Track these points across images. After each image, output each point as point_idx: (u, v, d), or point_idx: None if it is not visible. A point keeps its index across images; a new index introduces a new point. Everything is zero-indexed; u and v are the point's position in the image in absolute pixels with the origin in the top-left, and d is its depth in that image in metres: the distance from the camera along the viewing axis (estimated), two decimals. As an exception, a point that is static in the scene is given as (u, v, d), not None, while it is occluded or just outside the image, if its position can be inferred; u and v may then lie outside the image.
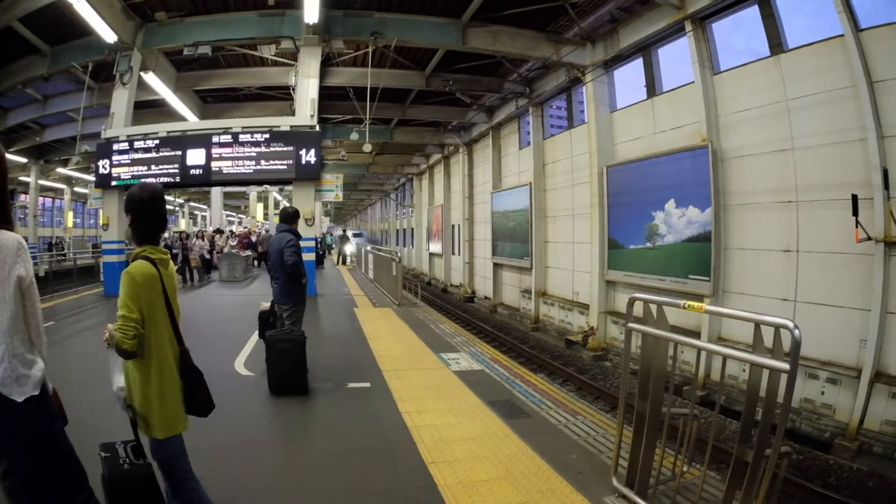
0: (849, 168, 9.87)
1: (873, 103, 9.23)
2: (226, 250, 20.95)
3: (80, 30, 14.91)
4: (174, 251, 17.58)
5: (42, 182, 33.34)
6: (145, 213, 3.09)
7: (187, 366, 3.11)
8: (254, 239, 28.25)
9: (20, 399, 2.48)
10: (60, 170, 33.88)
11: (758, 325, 3.13)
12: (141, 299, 2.88)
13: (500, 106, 24.33)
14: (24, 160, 29.41)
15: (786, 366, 2.90)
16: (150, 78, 16.80)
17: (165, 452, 3.05)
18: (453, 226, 33.86)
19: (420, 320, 12.25)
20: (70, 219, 40.99)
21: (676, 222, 13.55)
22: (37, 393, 2.56)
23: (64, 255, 32.60)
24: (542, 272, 21.58)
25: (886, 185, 9.07)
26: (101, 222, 17.70)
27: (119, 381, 3.03)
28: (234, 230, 32.93)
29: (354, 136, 21.50)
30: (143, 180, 14.73)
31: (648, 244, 14.67)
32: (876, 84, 9.27)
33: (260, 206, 39.11)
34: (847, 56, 9.62)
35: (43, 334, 2.66)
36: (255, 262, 26.26)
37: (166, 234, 14.34)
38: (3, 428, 2.49)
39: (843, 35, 9.67)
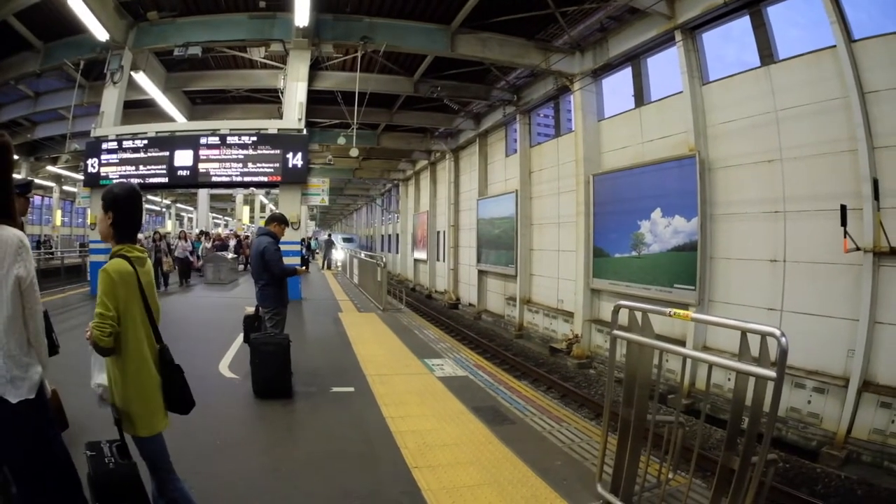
0: (837, 178, 9.96)
1: (864, 114, 9.32)
2: (178, 254, 20.19)
3: (73, 27, 14.83)
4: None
5: (31, 180, 32.90)
6: (123, 211, 3.06)
7: (166, 361, 3.07)
8: (231, 243, 27.58)
9: (14, 401, 2.44)
10: (50, 168, 33.62)
11: (744, 332, 3.13)
12: (118, 297, 2.85)
13: (488, 113, 24.41)
14: (14, 157, 28.99)
15: (772, 373, 2.90)
16: (141, 77, 16.73)
17: (149, 451, 3.02)
18: (438, 232, 33.90)
19: (404, 326, 12.20)
20: (58, 217, 40.63)
21: (662, 231, 13.61)
22: (32, 396, 2.51)
23: (52, 253, 32.26)
24: (526, 280, 21.60)
25: (876, 196, 9.15)
26: (88, 221, 17.59)
27: (100, 378, 3.00)
28: (212, 232, 32.13)
29: (341, 141, 21.48)
30: (120, 179, 14.62)
31: (634, 253, 14.71)
32: (868, 95, 9.36)
33: (246, 208, 38.94)
34: (839, 67, 9.72)
35: (42, 337, 2.61)
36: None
37: (140, 236, 14.17)
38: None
39: (834, 46, 9.77)
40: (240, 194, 36.90)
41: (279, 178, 15.65)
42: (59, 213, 40.72)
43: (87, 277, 17.40)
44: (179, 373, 3.12)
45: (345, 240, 54.89)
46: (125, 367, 2.91)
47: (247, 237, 30.76)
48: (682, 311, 3.74)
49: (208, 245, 24.34)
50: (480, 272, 26.17)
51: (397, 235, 45.75)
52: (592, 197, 16.37)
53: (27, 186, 5.41)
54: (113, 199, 3.03)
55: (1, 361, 2.41)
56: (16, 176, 2.72)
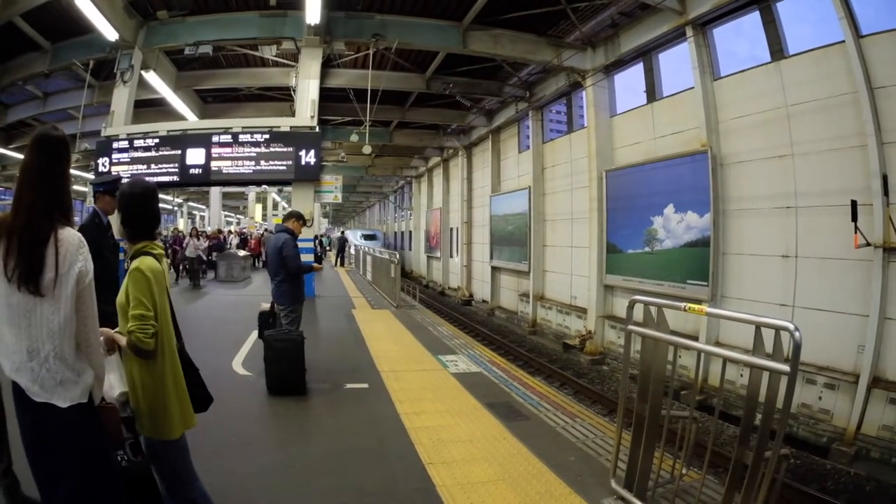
0: (848, 174, 9.87)
1: (873, 109, 9.22)
2: (189, 253, 19.57)
3: (81, 27, 14.80)
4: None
5: (119, 176, 33.17)
6: (139, 208, 3.05)
7: (185, 360, 3.09)
8: (233, 241, 26.29)
9: (65, 405, 2.36)
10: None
11: (758, 327, 3.14)
12: (154, 296, 2.82)
13: (500, 109, 24.32)
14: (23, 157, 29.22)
15: (786, 368, 2.91)
16: (151, 77, 16.73)
17: (173, 452, 2.98)
18: (452, 229, 33.84)
19: (418, 322, 12.25)
20: (70, 217, 40.91)
21: (675, 227, 13.55)
22: (85, 401, 2.43)
23: None
24: (540, 276, 21.56)
25: (886, 192, 9.07)
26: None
27: (121, 387, 2.90)
28: (210, 230, 30.46)
29: (354, 138, 21.49)
30: (134, 177, 14.71)
31: (647, 249, 14.66)
32: (877, 90, 9.26)
33: (259, 206, 38.99)
34: (847, 62, 9.62)
35: (96, 341, 2.52)
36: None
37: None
38: (47, 439, 2.38)
39: (843, 42, 9.68)
40: (252, 192, 36.94)
41: (292, 176, 15.71)
42: (70, 212, 40.98)
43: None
44: (196, 371, 3.15)
45: (365, 237, 46.82)
46: (158, 366, 2.87)
47: (261, 234, 30.69)
48: (696, 306, 3.76)
49: (203, 245, 21.83)
50: (493, 268, 26.11)
51: (410, 232, 45.72)
52: (605, 193, 16.31)
53: (115, 184, 5.35)
54: (128, 197, 3.04)
55: (51, 362, 2.34)
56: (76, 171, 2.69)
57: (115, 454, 2.74)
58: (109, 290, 4.15)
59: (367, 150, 20.78)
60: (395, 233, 53.40)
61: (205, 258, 20.55)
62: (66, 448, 2.39)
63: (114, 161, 16.13)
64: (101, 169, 16.24)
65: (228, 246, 26.73)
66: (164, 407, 2.88)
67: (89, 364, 2.46)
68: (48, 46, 17.03)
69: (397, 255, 16.45)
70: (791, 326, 2.86)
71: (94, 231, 5.07)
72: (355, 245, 34.07)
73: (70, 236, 2.39)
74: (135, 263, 2.87)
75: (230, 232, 28.17)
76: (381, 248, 37.66)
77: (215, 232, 28.04)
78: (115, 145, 16.17)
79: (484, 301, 27.70)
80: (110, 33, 14.28)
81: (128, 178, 13.66)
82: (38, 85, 20.53)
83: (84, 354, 2.44)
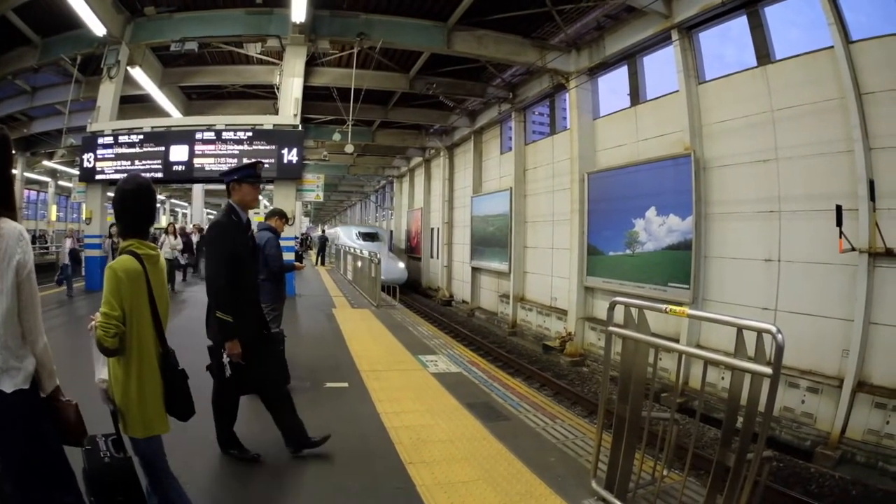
0: (833, 179, 9.96)
1: (861, 115, 9.32)
2: (165, 254, 16.35)
3: (70, 22, 14.80)
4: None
5: (27, 174, 33.06)
6: (129, 205, 2.99)
7: (171, 367, 3.02)
8: (194, 238, 22.70)
9: (9, 391, 2.42)
10: (46, 162, 33.56)
11: (740, 329, 3.15)
12: (123, 296, 2.79)
13: (483, 110, 24.38)
14: (13, 151, 28.91)
15: (768, 370, 2.91)
16: (137, 73, 16.75)
17: (144, 451, 2.98)
18: (432, 229, 33.83)
19: (398, 322, 12.21)
20: (53, 212, 40.54)
21: (657, 230, 13.63)
22: (27, 387, 2.49)
23: (46, 248, 32.05)
24: (520, 277, 21.61)
25: (872, 197, 9.14)
26: (83, 216, 17.41)
27: (102, 373, 2.94)
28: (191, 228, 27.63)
29: (337, 137, 21.42)
30: (131, 173, 14.53)
31: (628, 251, 14.73)
32: (864, 96, 9.35)
33: (241, 204, 38.73)
34: (836, 68, 9.71)
35: (38, 330, 2.58)
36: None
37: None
38: None
39: (831, 47, 9.76)
40: (234, 190, 36.63)
41: (274, 174, 15.64)
42: (54, 208, 40.61)
43: (81, 272, 17.19)
44: (183, 379, 3.08)
45: (364, 237, 34.33)
46: (128, 367, 2.86)
47: None
48: (678, 308, 3.76)
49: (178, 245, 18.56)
50: (474, 269, 26.18)
51: (391, 232, 45.62)
52: (587, 195, 16.37)
53: (252, 168, 4.68)
54: (120, 192, 2.98)
55: None
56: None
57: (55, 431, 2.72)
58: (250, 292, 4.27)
59: (349, 149, 20.71)
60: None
61: (182, 261, 18.99)
62: (6, 431, 2.47)
63: (98, 157, 16.14)
64: (85, 165, 16.22)
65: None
66: (127, 406, 2.89)
67: (32, 353, 2.54)
68: (38, 41, 17.03)
69: (378, 255, 16.40)
70: (773, 329, 2.86)
71: (234, 230, 4.51)
72: (350, 246, 27.23)
73: (11, 229, 2.45)
74: (112, 262, 2.86)
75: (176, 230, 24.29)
76: (389, 252, 32.66)
77: (180, 229, 24.24)
78: (99, 141, 16.14)
79: (464, 301, 27.76)
80: (98, 28, 14.31)
81: (112, 173, 13.55)
82: (27, 80, 20.47)
83: (28, 343, 2.52)
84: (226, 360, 4.28)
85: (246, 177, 4.56)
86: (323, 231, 47.25)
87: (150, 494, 3.04)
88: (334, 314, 13.06)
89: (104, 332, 2.72)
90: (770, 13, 11.41)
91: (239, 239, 4.51)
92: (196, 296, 15.48)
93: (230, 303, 4.32)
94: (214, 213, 62.11)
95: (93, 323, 2.81)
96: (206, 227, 31.91)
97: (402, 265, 31.68)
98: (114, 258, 2.94)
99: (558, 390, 13.78)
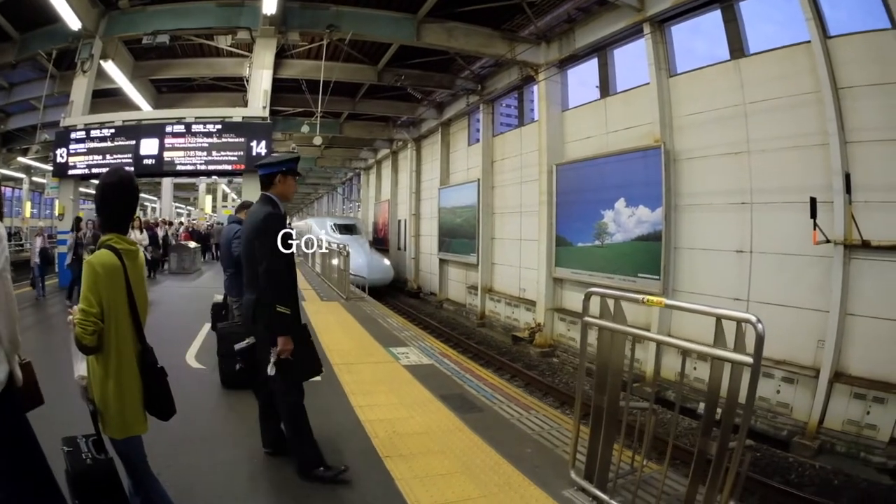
0: (807, 172, 10.10)
1: (837, 109, 9.44)
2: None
3: (47, 16, 14.62)
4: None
5: (2, 171, 32.42)
6: (109, 198, 2.90)
7: (149, 364, 2.92)
8: (159, 232, 21.34)
9: None
10: (21, 158, 32.81)
11: (719, 319, 3.15)
12: (101, 292, 2.70)
13: (451, 102, 24.39)
14: None
15: (749, 360, 2.92)
16: (109, 66, 16.53)
17: (123, 451, 2.90)
18: (400, 221, 33.75)
19: (368, 314, 12.15)
20: (28, 209, 39.71)
21: (626, 221, 13.73)
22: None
23: (22, 245, 31.29)
24: (488, 269, 21.69)
25: (848, 189, 9.28)
26: (56, 212, 17.04)
27: (80, 369, 2.86)
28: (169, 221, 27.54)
29: (305, 129, 21.29)
30: (114, 166, 14.23)
31: (597, 242, 14.82)
32: (841, 90, 9.47)
33: (209, 198, 38.44)
34: (812, 62, 9.82)
35: (12, 329, 2.53)
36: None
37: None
38: None
39: (808, 42, 9.87)
40: (203, 183, 36.39)
41: (243, 167, 15.43)
42: (28, 204, 39.82)
43: (55, 269, 16.74)
44: (162, 377, 2.98)
45: (340, 229, 31.24)
46: (106, 365, 2.77)
47: (210, 226, 29.90)
48: (655, 298, 3.76)
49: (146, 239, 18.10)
50: (442, 261, 26.24)
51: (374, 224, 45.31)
52: (556, 186, 16.46)
53: (293, 162, 4.54)
54: (101, 185, 2.90)
55: None
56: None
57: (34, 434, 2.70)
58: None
59: (317, 141, 20.60)
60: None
61: (148, 256, 17.60)
62: None
63: (71, 151, 15.89)
64: (59, 160, 16.02)
65: (171, 240, 23.16)
66: (106, 405, 2.81)
67: (2, 350, 2.49)
68: (17, 37, 16.82)
69: (347, 248, 16.27)
70: (753, 318, 2.87)
71: (281, 224, 4.28)
72: (322, 238, 23.08)
73: None
74: (90, 256, 2.77)
75: (163, 221, 24.72)
76: (368, 247, 30.10)
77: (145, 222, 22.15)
78: (72, 135, 15.91)
79: (432, 293, 27.80)
80: (74, 22, 14.22)
81: (83, 168, 13.14)
82: (4, 76, 20.28)
83: (2, 347, 2.47)
84: (273, 357, 4.08)
85: (292, 169, 4.48)
86: (290, 224, 46.39)
87: (132, 495, 2.98)
88: (304, 307, 12.89)
89: (83, 330, 2.63)
90: (745, 7, 11.52)
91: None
92: (170, 290, 15.27)
93: (292, 296, 4.22)
94: (183, 206, 61.28)
95: (70, 317, 2.71)
96: (204, 223, 31.81)
97: (387, 262, 29.61)
98: (77, 253, 2.88)
99: (529, 381, 13.84)
